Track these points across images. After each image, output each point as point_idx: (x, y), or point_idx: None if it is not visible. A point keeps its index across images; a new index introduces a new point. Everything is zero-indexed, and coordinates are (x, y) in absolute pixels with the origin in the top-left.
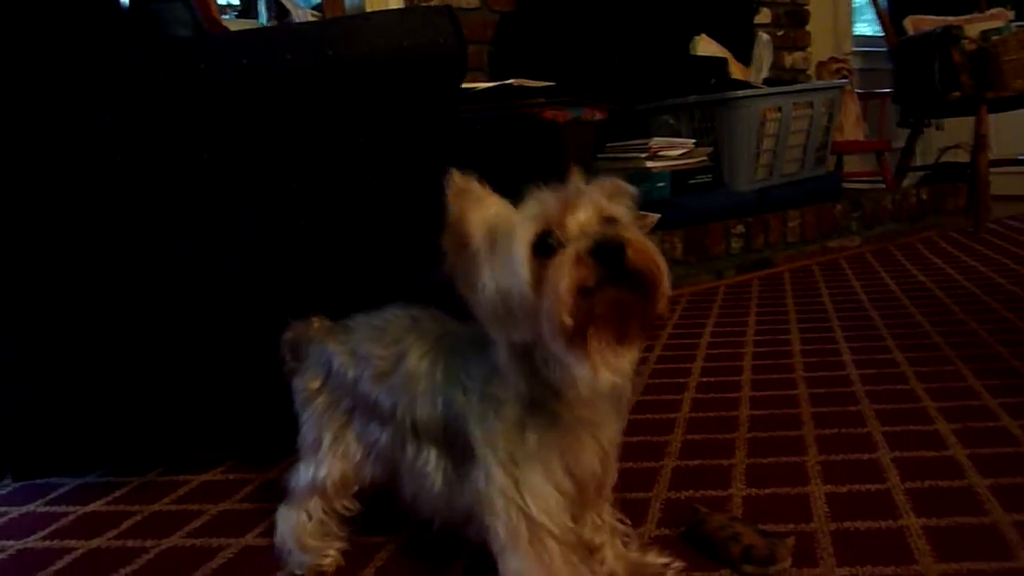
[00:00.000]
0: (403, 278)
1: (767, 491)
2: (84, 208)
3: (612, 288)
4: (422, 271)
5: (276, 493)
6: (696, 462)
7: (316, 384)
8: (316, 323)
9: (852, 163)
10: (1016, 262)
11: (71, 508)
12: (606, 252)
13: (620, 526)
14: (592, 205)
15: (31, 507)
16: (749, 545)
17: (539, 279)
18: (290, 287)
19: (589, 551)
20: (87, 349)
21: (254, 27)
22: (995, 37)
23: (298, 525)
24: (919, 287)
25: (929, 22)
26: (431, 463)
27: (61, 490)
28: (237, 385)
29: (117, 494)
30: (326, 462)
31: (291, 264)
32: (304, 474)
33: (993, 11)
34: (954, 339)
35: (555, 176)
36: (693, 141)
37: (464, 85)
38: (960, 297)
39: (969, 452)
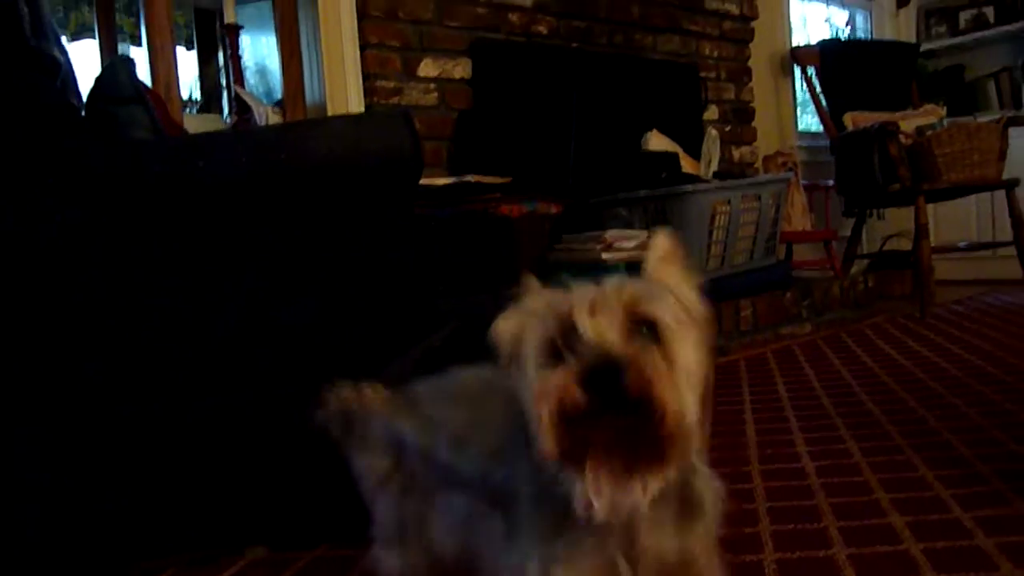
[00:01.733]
0: (358, 372)
1: None
2: (30, 305)
3: (612, 416)
4: (377, 366)
5: None
6: None
7: (386, 464)
8: (371, 393)
9: (801, 252)
10: (960, 347)
11: None
12: (598, 378)
13: None
14: (617, 307)
15: None
16: None
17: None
18: (243, 384)
19: None
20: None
21: (215, 124)
22: (929, 132)
23: None
24: (869, 374)
25: (866, 118)
26: (497, 531)
27: None
28: (178, 485)
29: None
30: (411, 548)
31: (244, 362)
32: (388, 563)
33: (926, 107)
34: (905, 427)
35: (509, 268)
36: (646, 233)
37: (424, 181)
38: (909, 383)
39: (923, 547)
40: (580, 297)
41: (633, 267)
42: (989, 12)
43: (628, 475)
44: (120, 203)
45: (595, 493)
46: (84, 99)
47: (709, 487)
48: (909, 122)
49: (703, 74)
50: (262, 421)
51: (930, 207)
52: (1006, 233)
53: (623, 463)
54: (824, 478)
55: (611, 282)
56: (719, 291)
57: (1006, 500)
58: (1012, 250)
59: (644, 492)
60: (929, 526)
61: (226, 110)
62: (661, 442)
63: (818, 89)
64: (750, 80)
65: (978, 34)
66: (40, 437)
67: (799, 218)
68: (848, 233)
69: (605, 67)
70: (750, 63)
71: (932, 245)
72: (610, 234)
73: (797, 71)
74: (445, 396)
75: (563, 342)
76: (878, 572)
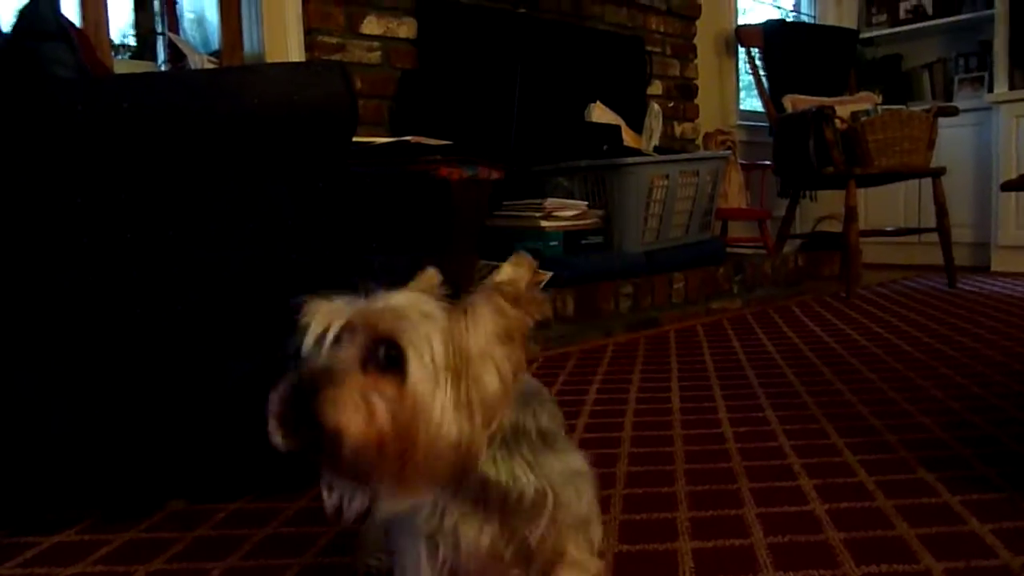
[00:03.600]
0: (284, 329)
1: (637, 547)
2: None
3: (308, 430)
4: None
5: (135, 555)
6: None
7: None
8: None
9: (736, 229)
10: (880, 326)
11: None
12: (294, 395)
13: None
14: (364, 326)
15: None
16: None
17: None
18: (166, 334)
19: None
20: None
21: (148, 70)
22: (863, 118)
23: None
24: (793, 348)
25: (805, 101)
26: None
27: None
28: (98, 437)
29: None
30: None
31: (166, 311)
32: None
33: (862, 94)
34: (821, 399)
35: (444, 231)
36: (586, 203)
37: (362, 140)
38: (829, 358)
39: (828, 507)
40: (324, 312)
41: (571, 235)
42: (928, 4)
43: (359, 482)
44: (41, 144)
45: (340, 495)
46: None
47: (552, 481)
48: (845, 107)
49: (649, 48)
50: (184, 372)
51: (860, 191)
52: (931, 220)
53: (345, 471)
54: (741, 443)
55: (380, 298)
56: (654, 263)
57: (909, 467)
58: (936, 236)
59: (402, 496)
60: (835, 488)
61: (160, 57)
62: (335, 462)
63: (761, 70)
64: (695, 57)
65: (916, 25)
66: None
67: (735, 196)
68: (782, 213)
69: (552, 34)
70: (696, 40)
71: (860, 228)
72: (550, 202)
73: (742, 53)
74: None
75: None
76: (784, 529)
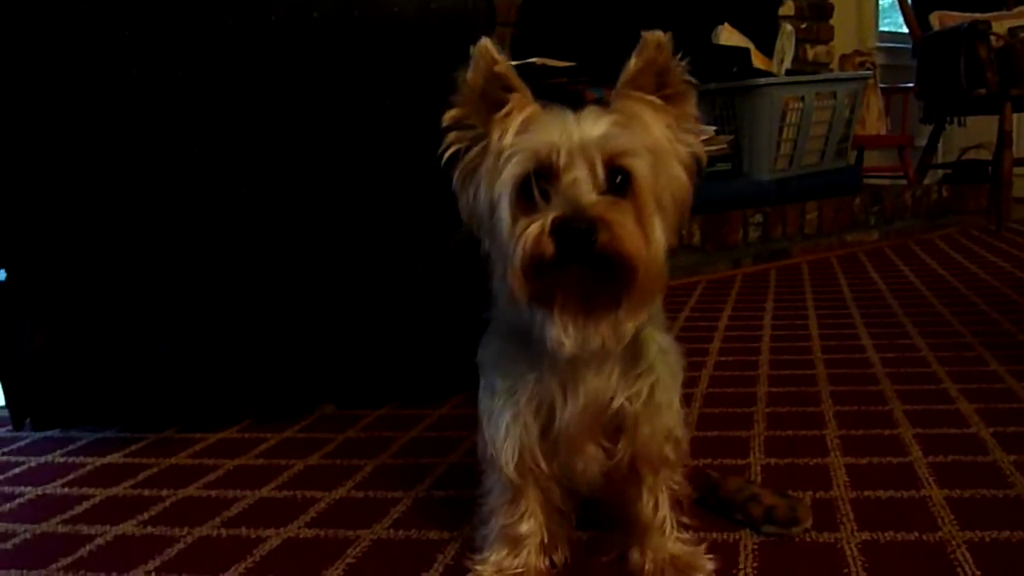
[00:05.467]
0: (419, 239)
1: (785, 461)
2: (118, 150)
3: (577, 266)
4: (445, 232)
5: (292, 451)
6: (714, 433)
7: None
8: None
9: (873, 158)
10: None
11: (89, 459)
12: (569, 234)
13: (665, 519)
14: (597, 156)
15: (49, 457)
16: (770, 506)
17: (516, 224)
18: (313, 241)
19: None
20: (112, 301)
21: None
22: (1023, 34)
23: None
24: (940, 280)
25: (955, 18)
26: None
27: (79, 443)
28: (256, 345)
29: (134, 448)
30: None
31: (313, 217)
32: None
33: (1021, 8)
34: (976, 327)
35: None
36: (714, 128)
37: None
38: (981, 290)
39: (993, 430)
40: (561, 141)
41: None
42: None
43: (594, 317)
44: (195, 56)
45: (564, 332)
46: None
47: (664, 351)
48: (1002, 23)
49: None
50: (331, 286)
51: (1015, 117)
52: None
53: (588, 307)
54: (889, 368)
55: (591, 124)
56: (785, 192)
57: None
58: None
59: (614, 335)
60: (1000, 413)
61: None
62: (619, 294)
63: None
64: None
65: None
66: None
67: (874, 122)
68: (924, 141)
69: None
70: None
71: (1014, 157)
72: None
73: None
74: None
75: (540, 185)
76: (945, 450)
